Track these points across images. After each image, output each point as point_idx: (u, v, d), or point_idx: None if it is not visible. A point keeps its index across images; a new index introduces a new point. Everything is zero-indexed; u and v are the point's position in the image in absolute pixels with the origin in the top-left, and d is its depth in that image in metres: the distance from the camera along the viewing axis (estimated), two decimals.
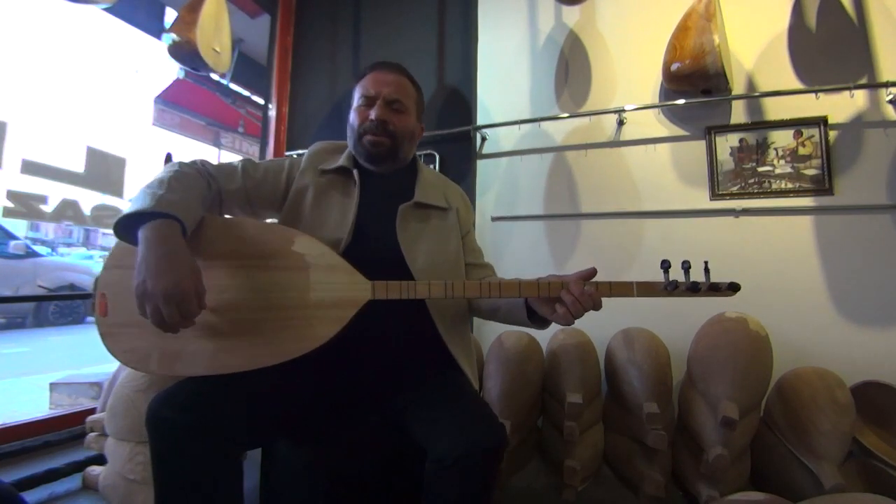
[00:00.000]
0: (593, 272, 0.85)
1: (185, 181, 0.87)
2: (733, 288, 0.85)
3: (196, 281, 0.75)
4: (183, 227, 0.80)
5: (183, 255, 0.76)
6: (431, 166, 1.95)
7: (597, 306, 0.83)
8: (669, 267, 0.85)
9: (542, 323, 0.91)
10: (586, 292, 0.82)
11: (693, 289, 0.84)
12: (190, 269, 0.75)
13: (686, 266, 0.84)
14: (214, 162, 1.01)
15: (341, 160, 1.04)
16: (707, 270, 0.85)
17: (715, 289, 0.85)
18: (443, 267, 1.00)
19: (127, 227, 0.80)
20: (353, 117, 1.02)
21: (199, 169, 0.94)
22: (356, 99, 1.02)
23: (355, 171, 1.02)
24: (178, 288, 0.72)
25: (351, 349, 0.96)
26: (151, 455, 0.76)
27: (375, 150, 0.99)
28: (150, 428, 0.76)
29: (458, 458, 0.75)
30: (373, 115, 0.98)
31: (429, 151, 1.96)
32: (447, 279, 0.92)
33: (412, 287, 0.85)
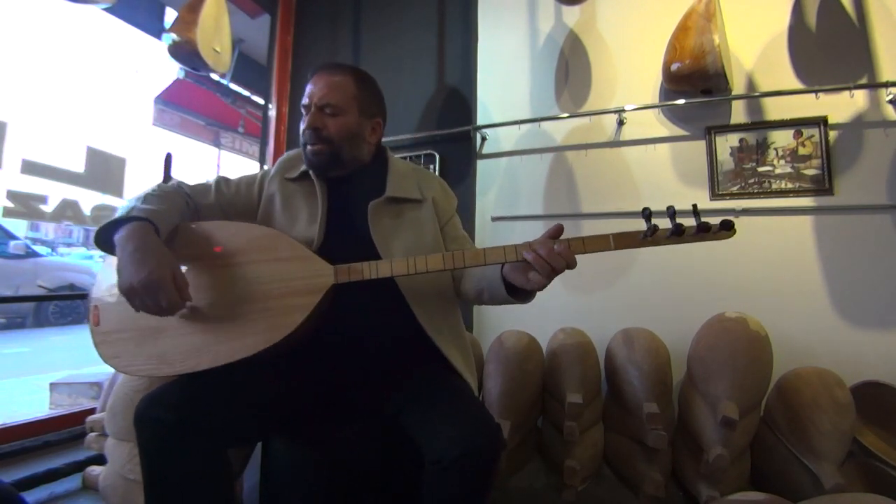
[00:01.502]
0: (560, 229, 0.79)
1: (161, 195, 0.91)
2: (726, 227, 0.74)
3: (172, 268, 0.79)
4: (156, 229, 0.83)
5: (154, 247, 0.79)
6: (431, 167, 1.95)
7: (570, 264, 0.77)
8: (651, 214, 0.76)
9: (526, 296, 0.87)
10: (556, 251, 0.76)
11: (677, 232, 0.74)
12: (163, 258, 0.79)
13: (671, 211, 0.75)
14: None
15: (303, 167, 1.03)
16: (697, 213, 0.76)
17: (704, 229, 0.74)
18: (418, 253, 0.98)
19: (107, 240, 0.84)
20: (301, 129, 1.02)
21: (176, 188, 0.97)
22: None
23: (312, 173, 1.02)
24: (154, 276, 0.75)
25: (335, 349, 0.96)
26: (140, 454, 0.77)
27: (316, 158, 0.98)
28: (137, 427, 0.77)
29: (455, 460, 0.75)
30: (306, 124, 0.98)
31: (429, 151, 1.96)
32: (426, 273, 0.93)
33: (374, 267, 0.86)
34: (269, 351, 0.84)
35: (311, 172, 1.02)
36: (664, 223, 0.79)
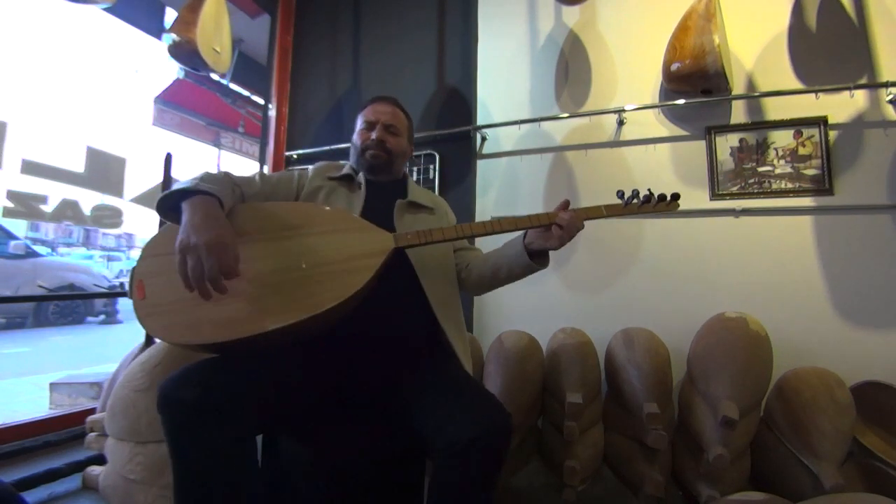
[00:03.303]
0: (567, 202, 1.00)
1: (216, 180, 0.97)
2: (675, 197, 1.02)
3: (232, 241, 0.83)
4: (221, 206, 0.90)
5: (224, 220, 0.86)
6: (431, 166, 1.96)
7: (581, 225, 0.98)
8: (625, 194, 1.02)
9: (542, 260, 1.03)
10: (571, 214, 0.97)
11: (646, 201, 1.01)
12: (229, 230, 0.84)
13: (635, 192, 1.02)
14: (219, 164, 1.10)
15: (345, 170, 1.21)
16: (650, 192, 1.01)
17: (662, 199, 1.01)
18: (435, 252, 1.12)
19: (167, 207, 0.91)
20: (356, 138, 1.22)
21: (226, 175, 1.04)
22: (359, 124, 1.24)
23: (360, 175, 1.20)
24: (221, 240, 0.80)
25: (356, 338, 1.00)
26: (165, 436, 0.77)
27: (375, 161, 1.19)
28: (161, 409, 0.77)
29: (469, 443, 0.77)
30: (374, 135, 1.19)
31: (429, 151, 1.96)
32: (440, 263, 1.11)
33: (429, 234, 0.99)
34: (336, 311, 0.87)
35: (359, 174, 1.20)
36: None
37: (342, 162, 1.27)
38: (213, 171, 1.02)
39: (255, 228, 0.94)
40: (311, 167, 1.22)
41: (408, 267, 1.05)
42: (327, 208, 1.05)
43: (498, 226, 1.00)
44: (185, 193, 0.88)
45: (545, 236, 0.98)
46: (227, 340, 0.83)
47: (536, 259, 1.02)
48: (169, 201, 0.90)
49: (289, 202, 1.07)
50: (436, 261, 1.11)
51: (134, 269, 0.93)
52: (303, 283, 0.88)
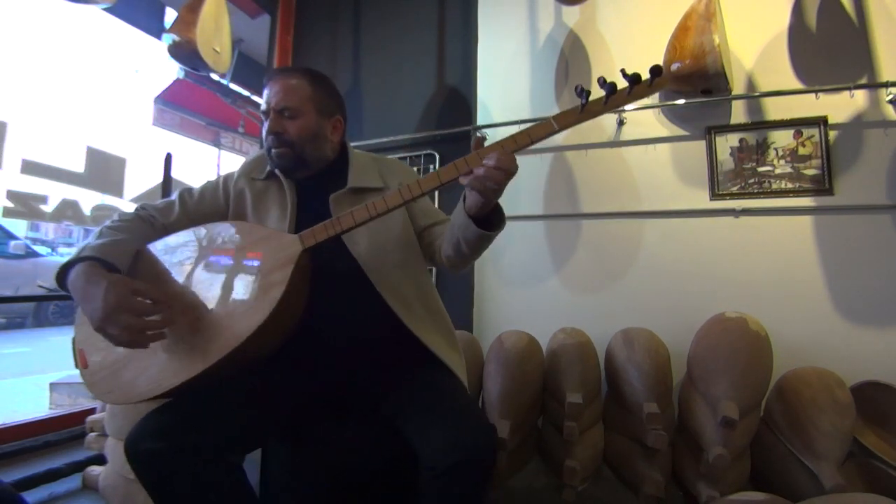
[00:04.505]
0: (480, 139, 0.81)
1: (117, 226, 0.92)
2: (654, 72, 0.78)
3: (125, 286, 0.78)
4: (108, 263, 0.84)
5: (99, 279, 0.79)
6: (431, 167, 1.95)
7: (509, 164, 0.77)
8: (583, 90, 0.78)
9: (498, 222, 0.86)
10: (493, 156, 0.77)
11: (611, 91, 0.77)
12: (110, 283, 0.78)
13: (602, 80, 0.78)
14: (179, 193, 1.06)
15: (269, 166, 1.05)
16: (625, 75, 0.78)
17: (635, 81, 0.76)
18: (388, 245, 0.99)
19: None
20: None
21: (140, 214, 0.98)
22: None
23: (278, 172, 1.03)
24: (107, 301, 0.76)
25: (318, 353, 0.96)
26: (145, 488, 0.75)
27: (281, 161, 1.00)
28: (133, 465, 0.75)
29: (450, 468, 0.75)
30: (267, 129, 0.99)
31: (429, 151, 1.96)
32: (396, 256, 0.99)
33: (336, 223, 0.87)
34: (260, 335, 0.81)
35: (277, 172, 1.03)
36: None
37: None
38: (126, 213, 0.98)
39: (154, 273, 0.91)
40: (241, 164, 1.10)
41: (355, 264, 0.94)
42: (223, 228, 0.94)
43: (408, 193, 0.85)
44: (69, 267, 0.83)
45: (471, 193, 0.80)
46: (168, 390, 0.81)
47: (488, 224, 0.84)
48: (63, 279, 0.84)
49: (181, 233, 0.96)
50: (388, 250, 0.98)
51: (73, 338, 0.92)
52: (220, 314, 0.84)
